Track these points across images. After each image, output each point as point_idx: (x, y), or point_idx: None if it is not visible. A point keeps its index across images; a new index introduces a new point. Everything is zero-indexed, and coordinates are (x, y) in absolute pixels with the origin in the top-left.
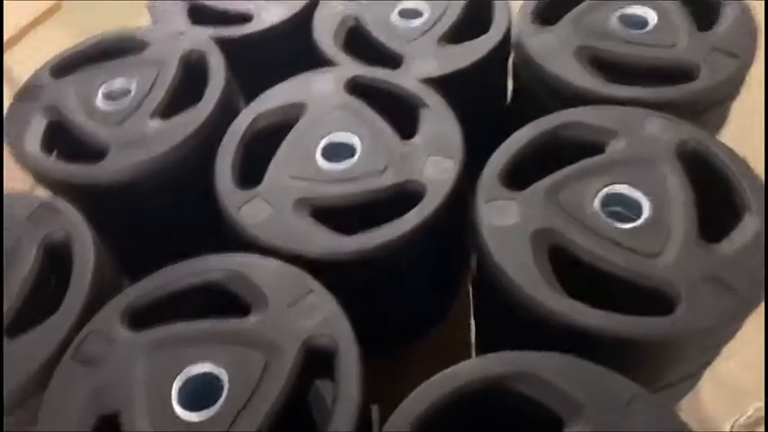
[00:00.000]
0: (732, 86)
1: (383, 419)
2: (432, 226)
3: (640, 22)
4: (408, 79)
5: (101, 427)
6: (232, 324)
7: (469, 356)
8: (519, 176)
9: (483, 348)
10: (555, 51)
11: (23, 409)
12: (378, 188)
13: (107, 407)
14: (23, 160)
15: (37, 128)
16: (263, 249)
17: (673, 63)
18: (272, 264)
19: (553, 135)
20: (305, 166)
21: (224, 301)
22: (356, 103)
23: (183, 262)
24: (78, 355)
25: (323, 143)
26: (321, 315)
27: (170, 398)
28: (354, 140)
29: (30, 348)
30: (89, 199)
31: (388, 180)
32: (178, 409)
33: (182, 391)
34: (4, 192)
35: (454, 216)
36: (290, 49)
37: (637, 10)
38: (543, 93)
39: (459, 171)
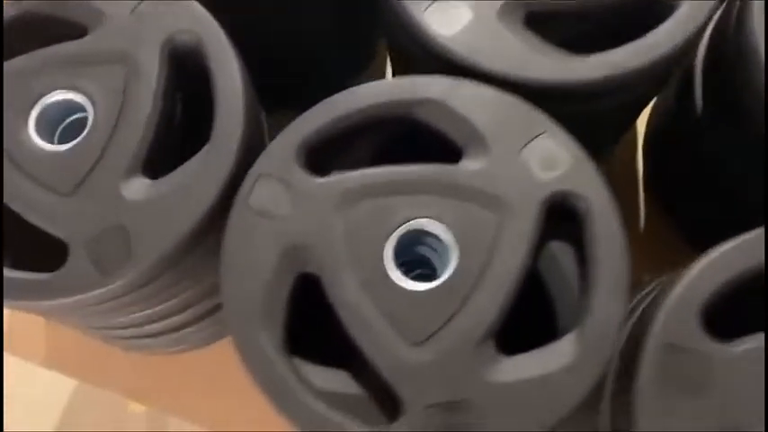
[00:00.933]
0: None
1: None
2: (687, 48)
3: None
4: None
5: (298, 287)
6: (445, 171)
7: (638, 197)
8: None
9: (668, 197)
10: None
11: (187, 259)
12: None
13: (303, 266)
14: None
15: None
16: (459, 70)
17: None
18: (486, 92)
19: None
20: None
21: (419, 141)
22: None
23: (360, 86)
24: (253, 202)
25: None
26: (562, 166)
27: (382, 261)
28: None
29: (182, 193)
30: None
31: None
32: (395, 275)
33: (396, 253)
34: None
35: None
36: None
37: None
38: None
39: None
